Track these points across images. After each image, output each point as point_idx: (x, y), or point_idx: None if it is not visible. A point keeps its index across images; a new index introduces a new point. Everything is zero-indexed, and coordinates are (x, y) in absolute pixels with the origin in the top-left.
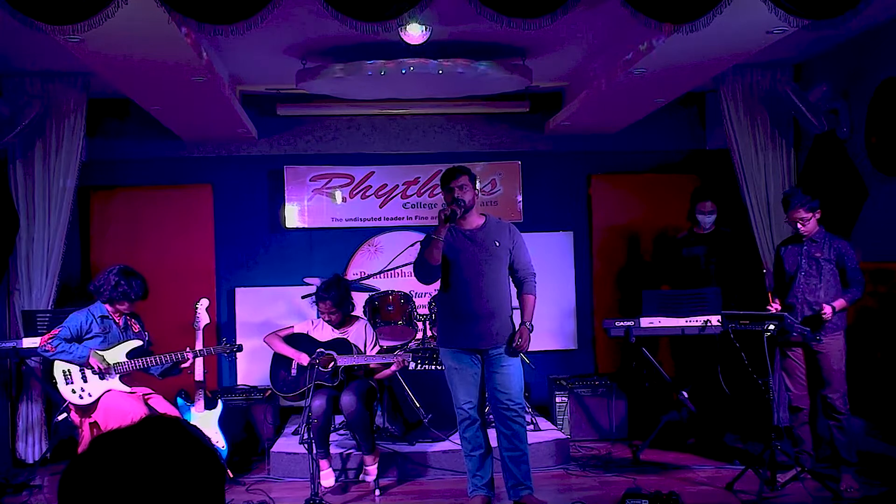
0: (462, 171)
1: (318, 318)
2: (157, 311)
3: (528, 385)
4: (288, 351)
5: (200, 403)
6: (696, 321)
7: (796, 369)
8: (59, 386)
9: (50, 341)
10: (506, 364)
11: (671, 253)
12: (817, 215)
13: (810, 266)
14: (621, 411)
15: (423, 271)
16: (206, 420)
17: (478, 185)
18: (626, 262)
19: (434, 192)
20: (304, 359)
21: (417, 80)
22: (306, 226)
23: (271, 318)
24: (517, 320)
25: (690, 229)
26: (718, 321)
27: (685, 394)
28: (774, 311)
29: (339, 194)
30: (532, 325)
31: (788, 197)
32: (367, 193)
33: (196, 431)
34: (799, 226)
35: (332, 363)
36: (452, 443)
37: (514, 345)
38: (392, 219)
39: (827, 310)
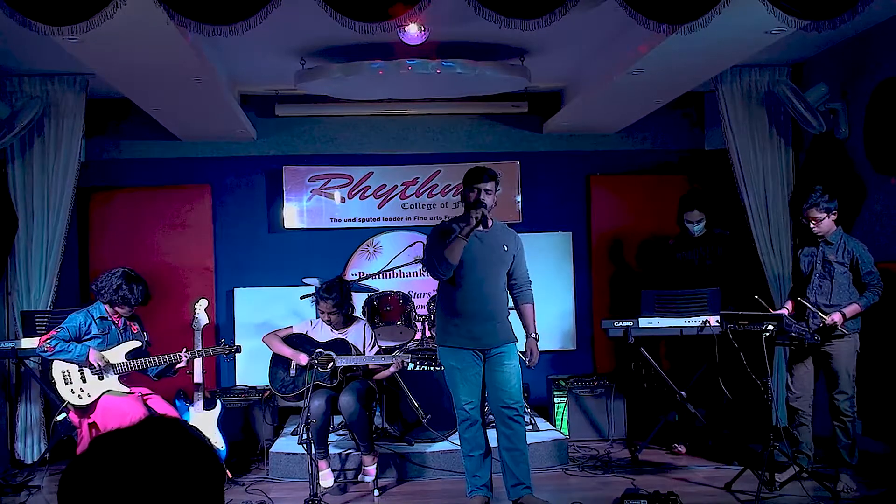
0: (492, 176)
1: (318, 318)
2: (156, 311)
3: (526, 385)
4: (287, 351)
5: (199, 404)
6: (695, 321)
7: (804, 376)
8: (57, 386)
9: (48, 341)
10: (506, 363)
11: (664, 257)
12: (833, 216)
13: (823, 269)
14: (620, 411)
15: (441, 268)
16: (204, 420)
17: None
18: (625, 263)
19: (433, 192)
20: (302, 359)
21: (416, 80)
22: (305, 226)
23: (270, 319)
24: (513, 321)
25: (682, 233)
26: (717, 321)
27: (684, 394)
28: (786, 312)
29: (338, 194)
30: (537, 334)
31: (807, 195)
32: (366, 194)
33: (195, 432)
34: (812, 225)
35: (331, 364)
36: (451, 443)
37: (527, 363)
38: (391, 219)
39: (832, 319)
